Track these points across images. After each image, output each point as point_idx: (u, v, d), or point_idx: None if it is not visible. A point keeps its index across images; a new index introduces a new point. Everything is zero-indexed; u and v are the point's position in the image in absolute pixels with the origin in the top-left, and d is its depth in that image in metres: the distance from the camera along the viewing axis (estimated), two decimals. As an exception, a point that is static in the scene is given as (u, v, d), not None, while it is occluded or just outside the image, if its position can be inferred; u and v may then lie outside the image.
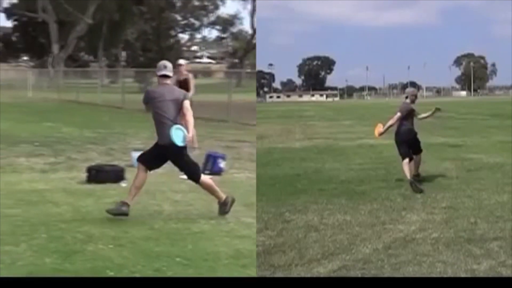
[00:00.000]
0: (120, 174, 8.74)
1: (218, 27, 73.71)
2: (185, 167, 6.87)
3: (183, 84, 12.32)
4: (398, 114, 8.61)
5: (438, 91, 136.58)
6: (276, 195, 7.88)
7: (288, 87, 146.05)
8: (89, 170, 8.74)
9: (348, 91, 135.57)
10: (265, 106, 63.09)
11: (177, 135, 6.54)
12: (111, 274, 4.89)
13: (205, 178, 6.96)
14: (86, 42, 61.32)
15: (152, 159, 6.81)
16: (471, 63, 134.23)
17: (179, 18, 68.37)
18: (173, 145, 6.50)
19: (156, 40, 60.95)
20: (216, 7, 69.42)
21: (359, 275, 4.72)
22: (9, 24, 71.43)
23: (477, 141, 14.84)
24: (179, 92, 6.85)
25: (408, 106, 8.75)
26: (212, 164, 9.61)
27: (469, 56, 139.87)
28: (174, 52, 56.65)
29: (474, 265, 4.86)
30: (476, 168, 10.10)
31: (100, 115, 22.09)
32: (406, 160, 8.50)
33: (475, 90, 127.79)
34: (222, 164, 9.69)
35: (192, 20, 70.32)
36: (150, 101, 6.74)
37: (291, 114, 37.79)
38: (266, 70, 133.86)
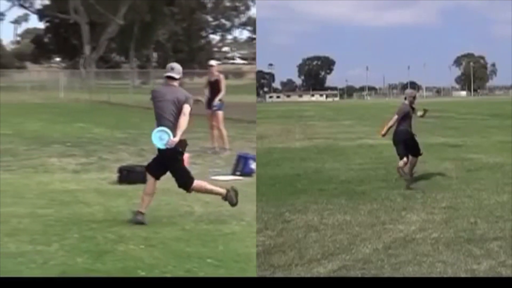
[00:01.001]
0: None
1: (249, 28, 73.33)
2: (177, 173, 6.69)
3: (214, 85, 12.37)
4: (396, 116, 8.74)
5: (438, 91, 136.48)
6: (276, 195, 7.88)
7: (288, 87, 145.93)
8: (120, 170, 8.74)
9: (348, 91, 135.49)
10: (265, 106, 63.08)
11: (160, 137, 6.40)
12: (142, 274, 4.90)
13: (195, 182, 6.74)
14: (118, 43, 61.31)
15: (156, 166, 6.72)
16: (471, 63, 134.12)
17: (210, 19, 68.30)
18: (168, 149, 6.43)
19: (187, 41, 60.93)
20: (247, 8, 69.24)
21: (359, 275, 4.72)
22: (41, 25, 72.35)
23: (477, 141, 14.84)
24: (182, 94, 6.66)
25: (405, 107, 8.85)
26: (243, 165, 9.60)
27: (469, 56, 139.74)
28: (205, 53, 56.74)
29: (474, 265, 4.86)
30: (476, 168, 10.10)
31: (131, 116, 22.01)
32: (404, 159, 8.57)
33: (475, 90, 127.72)
34: (253, 165, 9.64)
35: (223, 21, 70.37)
36: (153, 101, 6.71)
37: (291, 114, 37.77)
38: (266, 70, 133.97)
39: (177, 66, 6.84)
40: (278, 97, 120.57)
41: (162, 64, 59.18)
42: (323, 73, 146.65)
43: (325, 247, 5.43)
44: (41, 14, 65.96)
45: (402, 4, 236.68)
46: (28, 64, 75.66)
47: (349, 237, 5.74)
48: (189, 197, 7.28)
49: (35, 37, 75.28)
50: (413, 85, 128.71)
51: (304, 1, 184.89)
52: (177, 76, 6.74)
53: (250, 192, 7.68)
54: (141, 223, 6.43)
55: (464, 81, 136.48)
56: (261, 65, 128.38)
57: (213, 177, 9.06)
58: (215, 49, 73.52)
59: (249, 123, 18.51)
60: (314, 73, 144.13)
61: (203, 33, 67.25)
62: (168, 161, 6.63)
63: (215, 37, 73.31)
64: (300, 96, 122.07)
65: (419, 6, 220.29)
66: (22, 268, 4.97)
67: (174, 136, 6.43)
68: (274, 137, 17.80)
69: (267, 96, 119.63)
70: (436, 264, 4.92)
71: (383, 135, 8.96)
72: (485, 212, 6.66)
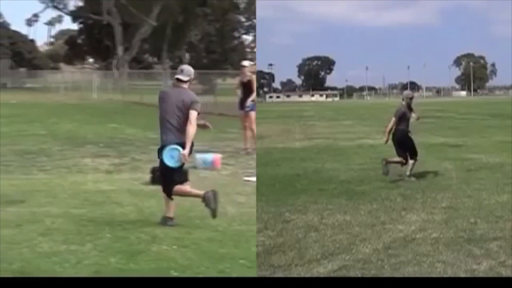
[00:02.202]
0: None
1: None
2: (161, 176, 6.63)
3: (247, 86, 12.41)
4: (393, 118, 9.09)
5: (438, 91, 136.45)
6: (276, 195, 7.88)
7: (288, 87, 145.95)
8: (153, 171, 8.68)
9: (348, 91, 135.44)
10: (265, 106, 63.06)
11: (171, 155, 6.34)
12: (175, 275, 4.90)
13: (175, 188, 6.57)
14: (150, 44, 61.19)
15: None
16: (471, 63, 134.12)
17: (243, 19, 68.01)
18: (163, 148, 6.38)
19: (219, 41, 60.73)
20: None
21: (359, 275, 4.72)
22: (75, 27, 72.87)
23: (477, 141, 14.84)
24: (188, 97, 6.48)
25: (401, 109, 9.19)
26: None
27: (469, 56, 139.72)
28: (237, 54, 56.53)
29: (474, 265, 4.86)
30: (476, 168, 10.10)
31: None
32: (403, 159, 8.99)
33: (475, 90, 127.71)
34: None
35: (256, 21, 70.19)
36: (159, 102, 6.63)
37: (291, 114, 37.78)
38: (266, 70, 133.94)
39: (186, 68, 6.74)
40: (278, 97, 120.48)
41: (195, 65, 58.96)
42: (323, 73, 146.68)
43: (325, 247, 5.43)
44: (75, 15, 66.25)
45: (402, 4, 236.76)
46: (62, 65, 76.15)
47: (349, 237, 5.73)
48: (222, 198, 7.19)
49: (69, 38, 75.86)
50: (413, 85, 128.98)
51: (304, 1, 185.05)
52: (185, 78, 6.60)
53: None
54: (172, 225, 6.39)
55: (464, 81, 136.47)
56: (261, 65, 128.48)
57: (246, 178, 9.07)
58: (248, 49, 73.45)
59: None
60: (314, 73, 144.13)
61: (236, 34, 67.07)
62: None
63: (248, 38, 73.10)
64: (300, 96, 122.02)
65: (419, 6, 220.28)
66: (56, 268, 5.01)
67: (184, 148, 6.31)
68: (274, 137, 17.80)
69: (267, 96, 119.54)
70: (436, 264, 4.92)
71: (387, 141, 9.20)
72: (485, 212, 6.66)
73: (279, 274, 4.79)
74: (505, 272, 4.72)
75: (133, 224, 6.39)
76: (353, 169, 10.32)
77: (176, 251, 5.51)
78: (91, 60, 75.59)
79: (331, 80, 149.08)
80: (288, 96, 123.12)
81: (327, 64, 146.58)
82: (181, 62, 64.95)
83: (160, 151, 6.47)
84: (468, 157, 11.57)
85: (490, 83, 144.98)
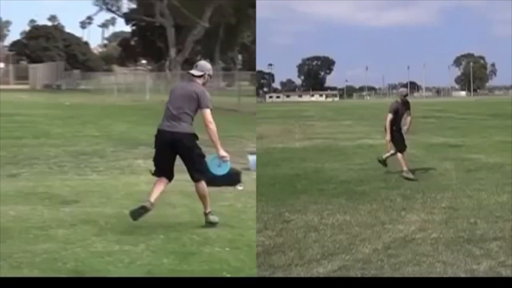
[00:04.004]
0: (236, 177, 8.64)
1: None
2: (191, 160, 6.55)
3: None
4: (389, 114, 9.42)
5: (438, 91, 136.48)
6: (276, 195, 7.88)
7: (288, 87, 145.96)
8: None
9: (348, 91, 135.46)
10: (265, 106, 63.05)
11: (217, 164, 6.45)
12: (228, 276, 4.89)
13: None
14: (203, 46, 61.24)
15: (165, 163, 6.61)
16: (471, 63, 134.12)
17: None
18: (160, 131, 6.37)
19: None
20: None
21: (359, 275, 4.72)
22: (128, 29, 73.28)
23: (477, 141, 14.83)
24: (194, 91, 6.36)
25: (393, 105, 9.59)
26: None
27: (468, 56, 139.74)
28: None
29: (474, 265, 4.86)
30: (476, 168, 10.10)
31: (216, 118, 21.75)
32: (399, 155, 9.40)
33: (474, 90, 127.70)
34: None
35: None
36: (169, 94, 6.60)
37: (290, 114, 37.78)
38: (266, 70, 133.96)
39: (201, 63, 6.66)
40: (278, 97, 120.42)
41: (247, 66, 59.16)
42: (322, 73, 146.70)
43: (324, 247, 5.43)
44: (128, 17, 66.48)
45: (402, 4, 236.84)
46: (115, 67, 76.38)
47: (349, 237, 5.73)
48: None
49: (122, 40, 76.39)
50: (413, 85, 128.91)
51: (304, 1, 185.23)
52: (196, 73, 6.50)
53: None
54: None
55: (464, 81, 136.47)
56: (261, 65, 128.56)
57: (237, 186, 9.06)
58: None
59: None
60: (314, 73, 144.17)
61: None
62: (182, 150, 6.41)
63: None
64: (300, 96, 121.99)
65: (419, 6, 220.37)
66: (109, 267, 5.02)
67: (217, 150, 6.39)
68: (273, 137, 17.80)
69: (267, 96, 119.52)
70: (436, 264, 4.92)
71: (391, 139, 9.39)
72: (485, 212, 6.66)
73: (279, 274, 4.79)
74: (505, 272, 4.72)
75: (185, 225, 6.38)
76: (353, 169, 10.32)
77: (228, 252, 5.49)
78: (144, 61, 75.88)
79: (331, 80, 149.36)
80: (288, 96, 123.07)
81: (327, 64, 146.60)
82: (233, 63, 65.07)
83: (156, 137, 6.46)
84: (468, 157, 11.57)
85: (490, 83, 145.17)
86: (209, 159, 6.44)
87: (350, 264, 4.95)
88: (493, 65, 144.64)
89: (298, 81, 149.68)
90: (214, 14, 51.49)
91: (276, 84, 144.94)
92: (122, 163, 10.85)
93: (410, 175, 9.01)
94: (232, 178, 8.39)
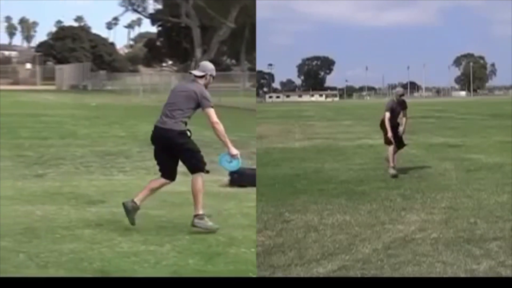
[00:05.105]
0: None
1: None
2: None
3: None
4: (386, 112, 9.55)
5: (438, 91, 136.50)
6: (276, 195, 7.88)
7: (288, 87, 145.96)
8: (231, 173, 8.65)
9: (348, 91, 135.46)
10: (265, 106, 63.06)
11: (227, 160, 6.47)
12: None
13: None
14: (228, 46, 61.12)
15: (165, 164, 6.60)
16: (471, 63, 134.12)
17: None
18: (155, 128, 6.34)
19: None
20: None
21: (359, 275, 4.72)
22: (153, 29, 73.15)
23: (477, 141, 14.83)
24: (199, 91, 6.28)
25: (388, 103, 9.76)
26: None
27: (468, 56, 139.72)
28: None
29: (474, 265, 4.85)
30: (476, 168, 10.10)
31: (241, 118, 21.59)
32: (390, 147, 9.53)
33: (474, 90, 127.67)
34: None
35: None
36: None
37: (290, 114, 37.79)
38: (266, 70, 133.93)
39: (203, 63, 6.60)
40: (277, 97, 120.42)
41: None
42: (322, 73, 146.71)
43: (324, 247, 5.43)
44: (154, 18, 66.29)
45: (402, 4, 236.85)
46: (141, 67, 76.37)
47: (349, 237, 5.73)
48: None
49: (148, 41, 76.34)
50: (413, 85, 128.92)
51: (304, 1, 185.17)
52: (198, 74, 6.46)
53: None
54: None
55: (464, 81, 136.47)
56: (261, 65, 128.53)
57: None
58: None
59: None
60: (314, 73, 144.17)
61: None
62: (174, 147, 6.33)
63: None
64: (300, 96, 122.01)
65: (418, 6, 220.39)
66: (135, 267, 5.03)
67: (228, 149, 6.39)
68: (273, 137, 17.80)
69: (267, 96, 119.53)
70: (436, 264, 4.92)
71: (393, 135, 9.45)
72: (485, 212, 6.66)
73: (279, 274, 4.79)
74: (504, 272, 4.71)
75: None
76: (352, 169, 10.32)
77: (254, 253, 5.46)
78: (169, 62, 75.63)
79: (331, 80, 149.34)
80: (287, 96, 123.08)
81: (327, 64, 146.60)
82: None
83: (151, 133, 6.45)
84: (468, 157, 11.57)
85: (490, 83, 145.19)
86: (220, 155, 6.50)
87: (350, 264, 4.95)
88: (493, 65, 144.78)
89: (298, 81, 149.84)
90: (239, 15, 51.22)
91: (276, 84, 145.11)
92: (148, 163, 10.76)
93: (392, 172, 9.17)
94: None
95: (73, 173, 9.92)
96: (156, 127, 6.40)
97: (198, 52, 53.14)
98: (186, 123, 6.35)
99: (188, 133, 6.34)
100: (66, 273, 4.84)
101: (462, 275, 4.68)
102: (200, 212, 6.16)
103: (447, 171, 9.83)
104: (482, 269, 4.79)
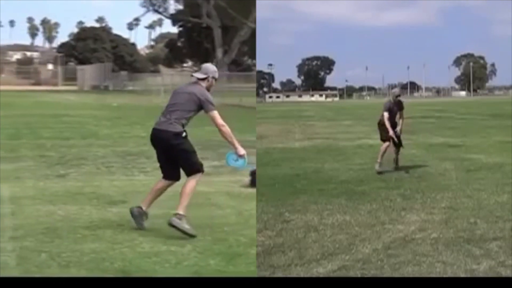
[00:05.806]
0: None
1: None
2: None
3: None
4: (384, 113, 9.79)
5: (438, 91, 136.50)
6: (276, 195, 7.88)
7: (288, 87, 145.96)
8: (252, 173, 8.64)
9: (348, 91, 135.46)
10: (265, 106, 63.06)
11: (233, 159, 6.44)
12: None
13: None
14: (250, 47, 60.88)
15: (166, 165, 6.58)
16: (471, 63, 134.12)
17: None
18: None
19: None
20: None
21: (359, 275, 4.72)
22: (174, 30, 72.50)
23: (477, 141, 14.83)
24: (200, 93, 6.23)
25: (386, 103, 10.00)
26: None
27: (468, 56, 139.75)
28: None
29: (474, 265, 4.86)
30: (476, 168, 10.10)
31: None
32: (385, 143, 9.82)
33: (474, 90, 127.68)
34: None
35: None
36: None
37: (290, 114, 37.78)
38: (266, 70, 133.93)
39: (204, 66, 6.56)
40: (277, 97, 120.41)
41: None
42: (322, 73, 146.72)
43: (324, 247, 5.43)
44: (175, 18, 65.98)
45: (402, 4, 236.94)
46: (162, 67, 76.23)
47: (349, 237, 5.73)
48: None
49: (169, 41, 76.03)
50: (413, 85, 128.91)
51: (304, 1, 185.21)
52: (200, 76, 6.41)
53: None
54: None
55: (464, 81, 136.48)
56: (261, 65, 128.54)
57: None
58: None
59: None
60: (314, 73, 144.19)
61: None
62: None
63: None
64: (300, 96, 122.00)
65: (418, 6, 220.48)
66: (156, 268, 5.05)
67: (235, 149, 6.36)
68: (273, 137, 17.79)
69: (267, 96, 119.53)
70: (436, 264, 4.92)
71: (394, 133, 9.70)
72: (485, 212, 6.66)
73: (279, 274, 4.79)
74: (504, 272, 4.72)
75: (232, 227, 6.36)
76: (352, 169, 10.32)
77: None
78: (190, 62, 75.38)
79: (331, 80, 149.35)
80: (287, 96, 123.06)
81: (327, 64, 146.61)
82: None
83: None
84: (468, 157, 11.57)
85: (490, 83, 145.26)
86: (227, 154, 6.52)
87: (350, 264, 4.95)
88: (493, 65, 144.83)
89: (298, 81, 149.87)
90: (261, 15, 51.42)
91: (276, 84, 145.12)
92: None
93: (378, 168, 9.46)
94: None
95: (94, 173, 9.92)
96: (153, 129, 6.38)
97: (219, 52, 53.09)
98: (183, 125, 6.30)
99: (184, 134, 6.28)
100: (88, 273, 4.86)
101: (462, 275, 4.68)
102: (181, 212, 6.07)
103: (447, 171, 9.83)
104: (482, 269, 4.79)
